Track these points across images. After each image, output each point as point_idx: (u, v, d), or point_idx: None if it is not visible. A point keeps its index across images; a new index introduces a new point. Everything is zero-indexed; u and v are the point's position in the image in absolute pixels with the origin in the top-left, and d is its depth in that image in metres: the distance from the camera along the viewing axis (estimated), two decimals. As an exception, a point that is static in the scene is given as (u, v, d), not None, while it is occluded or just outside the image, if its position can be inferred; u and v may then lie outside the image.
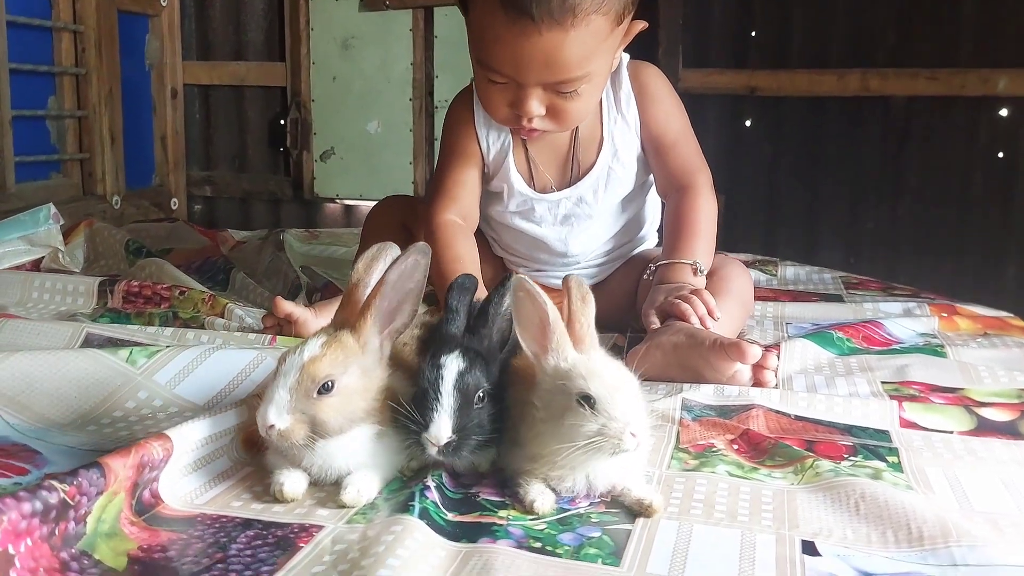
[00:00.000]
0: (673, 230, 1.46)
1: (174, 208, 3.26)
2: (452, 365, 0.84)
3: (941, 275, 2.78)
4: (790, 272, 2.01)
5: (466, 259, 1.41)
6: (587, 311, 0.87)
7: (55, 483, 0.71)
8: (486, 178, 1.52)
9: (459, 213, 1.48)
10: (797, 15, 2.90)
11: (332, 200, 3.31)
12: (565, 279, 0.87)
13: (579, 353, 0.85)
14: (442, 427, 0.81)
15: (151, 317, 1.43)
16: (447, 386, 0.83)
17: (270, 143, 3.36)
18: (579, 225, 1.52)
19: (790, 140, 2.96)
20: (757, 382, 1.17)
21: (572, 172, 1.50)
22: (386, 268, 0.85)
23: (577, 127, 1.47)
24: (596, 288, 1.58)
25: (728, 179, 3.00)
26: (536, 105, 1.32)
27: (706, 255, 1.42)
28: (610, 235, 1.56)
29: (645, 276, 1.45)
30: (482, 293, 0.95)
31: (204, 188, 3.41)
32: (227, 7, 3.32)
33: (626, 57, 1.49)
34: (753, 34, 2.96)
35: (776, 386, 1.18)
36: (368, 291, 0.87)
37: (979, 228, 2.80)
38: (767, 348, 1.25)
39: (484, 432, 0.84)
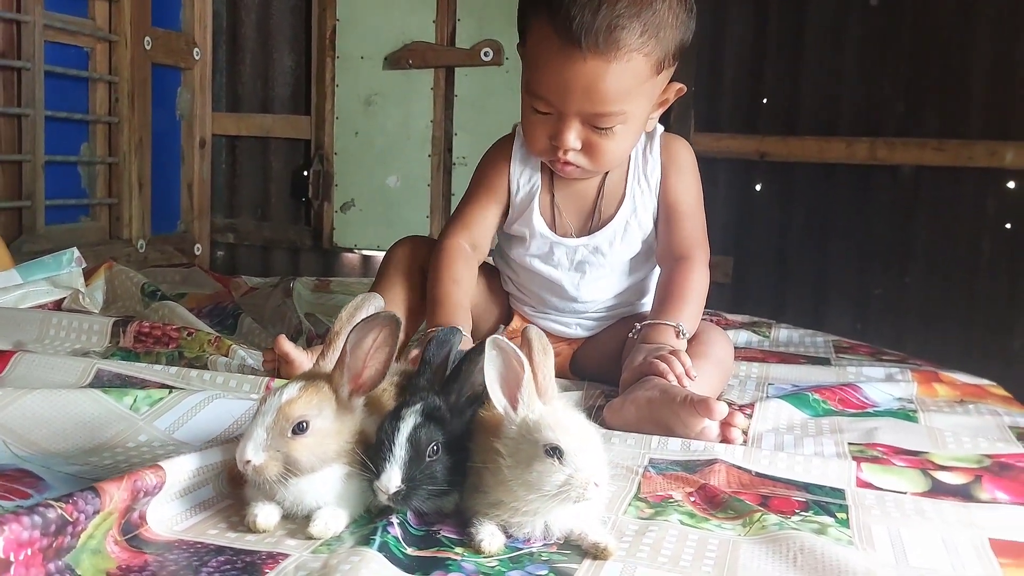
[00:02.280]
0: (663, 294, 1.53)
1: (197, 254, 3.37)
2: (410, 418, 0.90)
3: (949, 344, 2.80)
4: (783, 334, 2.06)
5: (463, 283, 1.54)
6: (548, 363, 0.93)
7: (52, 501, 0.78)
8: (509, 219, 1.62)
9: (469, 240, 1.60)
10: (807, 83, 2.99)
11: (350, 250, 3.41)
12: (524, 331, 0.93)
13: (543, 404, 0.91)
14: (392, 477, 0.87)
15: (159, 356, 1.51)
16: (401, 438, 0.88)
17: (292, 193, 3.47)
18: (592, 273, 1.60)
19: (799, 205, 3.02)
20: (724, 439, 1.22)
21: (593, 222, 1.59)
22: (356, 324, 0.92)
23: (604, 181, 1.58)
24: (589, 340, 1.66)
25: (737, 242, 3.07)
26: (573, 138, 1.43)
27: (691, 321, 1.48)
28: (617, 291, 1.64)
29: (630, 335, 1.51)
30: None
31: (227, 235, 3.52)
32: (257, 62, 3.46)
33: (661, 127, 1.60)
34: (764, 101, 3.05)
35: (744, 443, 1.23)
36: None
37: (987, 299, 2.83)
38: (739, 408, 1.30)
39: (436, 483, 0.89)
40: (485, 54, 3.15)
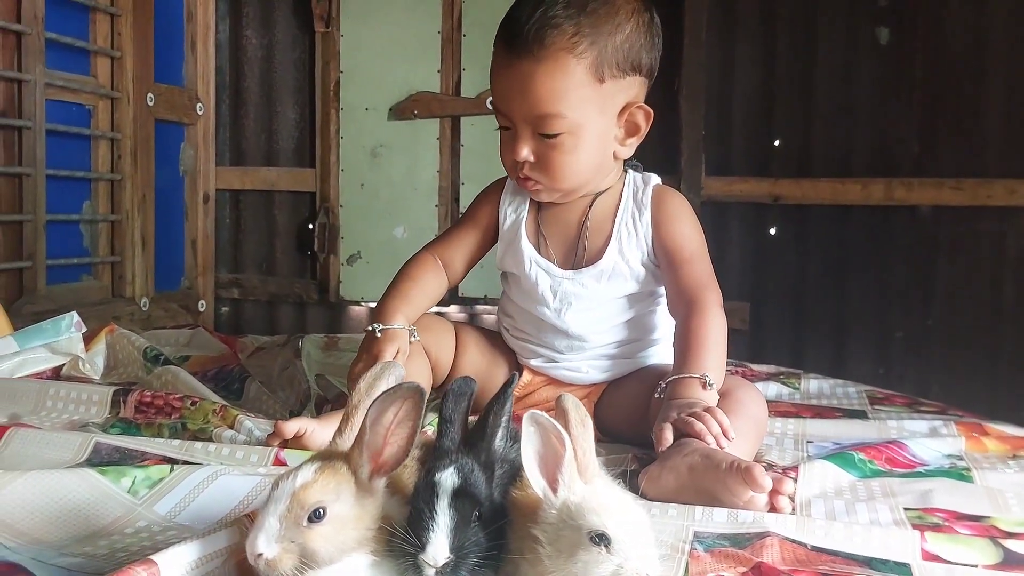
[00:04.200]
0: (682, 346, 1.45)
1: (201, 310, 3.30)
2: (447, 483, 0.82)
3: (974, 386, 2.72)
4: (814, 385, 1.97)
5: (419, 281, 1.61)
6: (588, 436, 0.84)
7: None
8: (500, 252, 1.64)
9: (440, 255, 1.66)
10: (819, 124, 2.92)
11: (357, 303, 3.33)
12: (559, 400, 0.85)
13: (584, 483, 0.83)
14: (439, 547, 0.79)
15: (161, 428, 1.43)
16: (442, 504, 0.81)
17: (298, 247, 3.41)
18: (577, 304, 1.57)
19: (816, 249, 2.94)
20: (772, 507, 1.13)
21: (577, 255, 1.57)
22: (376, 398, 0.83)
23: (589, 213, 1.56)
24: (609, 389, 1.59)
25: (753, 288, 2.98)
26: (525, 149, 1.47)
27: (716, 370, 1.40)
28: (612, 324, 1.59)
29: (656, 395, 1.42)
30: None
31: (232, 291, 3.45)
32: (261, 116, 3.41)
33: (656, 178, 1.60)
34: (776, 143, 2.98)
35: (793, 511, 1.14)
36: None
37: (1012, 339, 2.74)
38: (784, 471, 1.21)
39: (482, 549, 0.81)
40: (491, 103, 3.10)
